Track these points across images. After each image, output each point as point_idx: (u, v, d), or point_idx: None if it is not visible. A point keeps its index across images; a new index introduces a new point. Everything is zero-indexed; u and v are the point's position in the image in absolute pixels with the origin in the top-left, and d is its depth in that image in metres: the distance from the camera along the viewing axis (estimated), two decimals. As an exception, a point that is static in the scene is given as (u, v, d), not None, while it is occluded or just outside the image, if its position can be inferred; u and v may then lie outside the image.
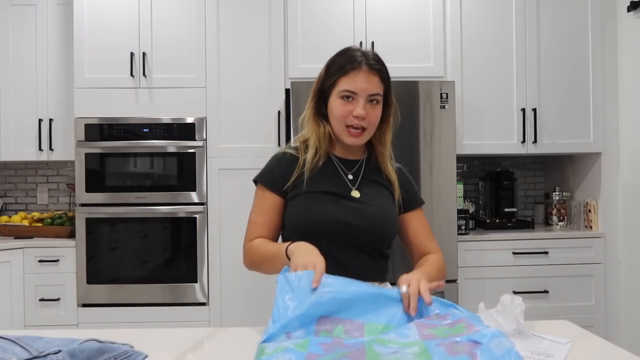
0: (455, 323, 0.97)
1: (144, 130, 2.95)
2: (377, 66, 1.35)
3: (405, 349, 0.89)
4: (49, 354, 0.91)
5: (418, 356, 0.86)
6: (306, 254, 1.16)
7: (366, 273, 1.33)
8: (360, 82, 1.33)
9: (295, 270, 1.10)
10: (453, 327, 0.96)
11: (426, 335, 0.94)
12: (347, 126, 1.36)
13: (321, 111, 1.41)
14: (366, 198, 1.39)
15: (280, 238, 1.45)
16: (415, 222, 1.46)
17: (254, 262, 1.37)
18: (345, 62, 1.36)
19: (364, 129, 1.36)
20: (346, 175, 1.42)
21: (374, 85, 1.35)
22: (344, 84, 1.34)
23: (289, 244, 1.24)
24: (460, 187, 3.04)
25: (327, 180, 1.40)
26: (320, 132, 1.39)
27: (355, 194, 1.39)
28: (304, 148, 1.43)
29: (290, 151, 1.46)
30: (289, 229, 1.40)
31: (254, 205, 1.43)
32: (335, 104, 1.36)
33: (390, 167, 1.45)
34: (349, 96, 1.34)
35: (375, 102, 1.36)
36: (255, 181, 1.45)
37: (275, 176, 1.41)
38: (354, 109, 1.33)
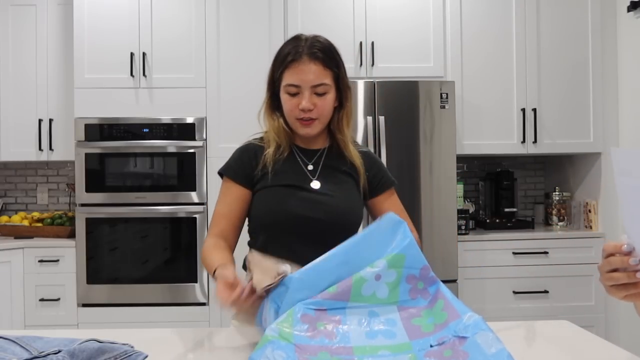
0: (434, 301, 0.97)
1: (144, 130, 2.95)
2: (318, 54, 1.30)
3: (397, 356, 0.89)
4: (49, 354, 0.91)
5: None
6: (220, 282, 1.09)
7: None
8: (302, 73, 1.28)
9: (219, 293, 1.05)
10: (433, 306, 0.96)
11: (413, 330, 0.94)
12: (297, 119, 1.33)
13: (276, 104, 1.38)
14: (326, 188, 1.36)
15: (250, 230, 1.43)
16: (386, 205, 1.43)
17: (203, 264, 1.32)
18: (287, 53, 1.31)
19: (314, 119, 1.33)
20: (306, 166, 1.39)
21: (318, 75, 1.29)
22: (288, 77, 1.30)
23: (217, 268, 1.17)
24: (460, 187, 3.04)
25: (288, 172, 1.37)
26: (276, 127, 1.37)
27: (315, 184, 1.36)
28: (268, 140, 1.40)
29: (255, 142, 1.43)
30: (252, 221, 1.40)
31: (219, 197, 1.40)
32: (284, 99, 1.33)
33: (354, 153, 1.41)
34: (294, 90, 1.30)
35: (322, 92, 1.31)
36: (221, 174, 1.41)
37: (239, 168, 1.38)
38: (300, 102, 1.30)
